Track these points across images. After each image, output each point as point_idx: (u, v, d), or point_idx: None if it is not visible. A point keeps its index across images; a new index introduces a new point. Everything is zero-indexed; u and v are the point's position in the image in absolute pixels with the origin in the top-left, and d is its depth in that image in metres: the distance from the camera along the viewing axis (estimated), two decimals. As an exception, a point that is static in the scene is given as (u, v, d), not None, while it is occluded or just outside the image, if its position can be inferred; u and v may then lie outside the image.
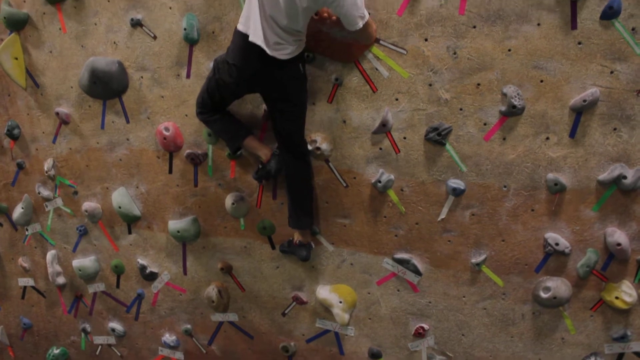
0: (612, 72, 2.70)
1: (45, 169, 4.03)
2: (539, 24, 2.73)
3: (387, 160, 3.14)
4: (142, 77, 3.54)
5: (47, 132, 3.99)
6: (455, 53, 2.86)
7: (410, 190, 3.14)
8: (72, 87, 3.78)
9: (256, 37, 2.71)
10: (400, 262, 3.28)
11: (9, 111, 4.10)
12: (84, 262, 4.15)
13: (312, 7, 2.63)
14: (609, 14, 2.62)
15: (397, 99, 3.02)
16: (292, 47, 2.77)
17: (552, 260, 3.02)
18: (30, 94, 3.96)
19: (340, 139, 3.19)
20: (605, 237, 2.91)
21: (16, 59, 3.88)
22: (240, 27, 2.79)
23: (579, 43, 2.70)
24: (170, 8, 3.33)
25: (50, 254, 4.27)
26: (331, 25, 2.90)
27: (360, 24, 2.65)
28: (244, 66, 2.84)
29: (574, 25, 2.69)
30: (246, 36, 2.75)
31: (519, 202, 2.98)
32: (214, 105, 3.12)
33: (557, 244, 2.95)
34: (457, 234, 3.13)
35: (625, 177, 2.78)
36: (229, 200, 3.52)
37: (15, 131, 4.08)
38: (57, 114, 3.86)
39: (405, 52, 2.94)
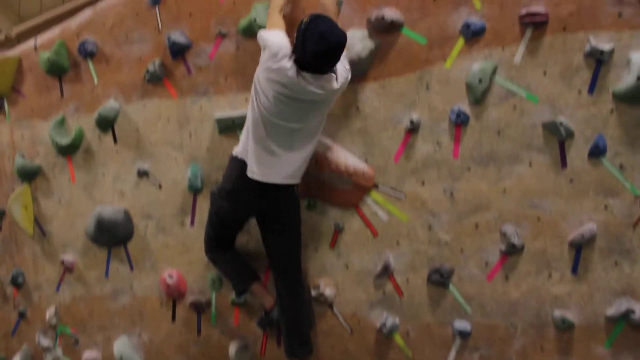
0: (606, 207, 2.74)
1: (47, 317, 3.99)
2: (530, 164, 2.82)
3: (391, 304, 3.11)
4: (147, 225, 3.61)
5: (51, 280, 4.00)
6: (452, 195, 2.94)
7: (415, 333, 3.08)
8: (78, 236, 3.85)
9: (272, 177, 2.84)
10: (411, 412, 3.14)
11: (14, 259, 4.14)
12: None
13: (325, 101, 2.78)
14: (596, 153, 2.72)
15: (397, 242, 3.05)
16: (300, 173, 2.92)
17: (570, 402, 2.90)
18: (37, 242, 4.03)
19: (343, 283, 3.18)
20: (621, 377, 2.82)
21: (25, 208, 3.99)
22: (238, 154, 2.90)
23: (571, 181, 2.77)
24: (176, 159, 3.47)
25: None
26: (330, 174, 3.03)
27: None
28: (241, 192, 2.90)
29: (563, 164, 2.78)
30: (244, 163, 2.86)
31: (527, 342, 2.91)
32: (218, 240, 3.14)
33: (572, 386, 2.85)
34: (467, 379, 3.03)
35: (633, 312, 2.74)
36: (232, 349, 3.43)
37: (20, 279, 4.10)
38: (62, 262, 3.89)
39: (403, 197, 3.02)
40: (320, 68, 2.65)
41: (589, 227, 2.75)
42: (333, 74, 2.71)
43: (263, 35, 2.76)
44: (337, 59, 2.65)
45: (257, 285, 3.21)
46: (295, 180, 2.93)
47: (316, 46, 2.55)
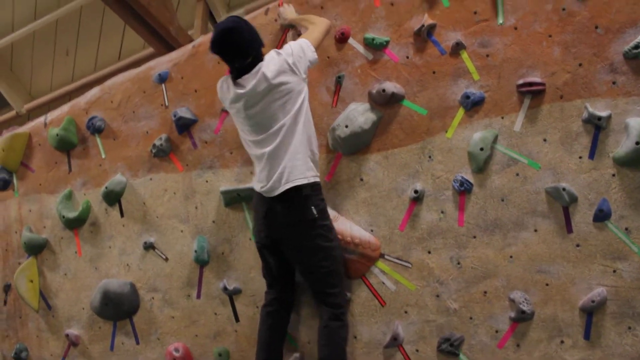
0: (614, 271, 2.73)
1: (51, 394, 3.92)
2: (535, 230, 2.82)
3: (402, 375, 3.06)
4: (153, 298, 3.60)
5: (55, 355, 3.95)
6: (459, 263, 2.93)
7: (428, 405, 3.02)
8: (83, 309, 3.83)
9: (268, 182, 2.86)
10: None
11: (18, 334, 4.10)
12: None
13: (268, 95, 2.83)
14: (600, 217, 2.73)
15: (406, 312, 3.03)
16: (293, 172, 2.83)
17: None
18: (42, 315, 4.00)
19: (352, 355, 3.12)
20: None
21: (31, 281, 3.98)
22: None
23: (577, 245, 2.77)
24: (182, 231, 3.50)
25: None
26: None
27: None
28: (261, 209, 2.94)
29: (569, 229, 2.78)
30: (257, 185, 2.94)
31: (544, 412, 2.84)
32: (267, 278, 3.07)
33: None
34: None
35: (650, 379, 2.69)
36: None
37: (23, 354, 4.05)
38: (67, 335, 3.86)
39: (410, 266, 3.02)
40: (227, 59, 2.87)
41: (598, 291, 2.73)
42: (259, 73, 2.81)
43: None
44: (231, 43, 2.81)
45: None
46: (290, 180, 2.81)
47: (212, 38, 2.86)
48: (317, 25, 3.02)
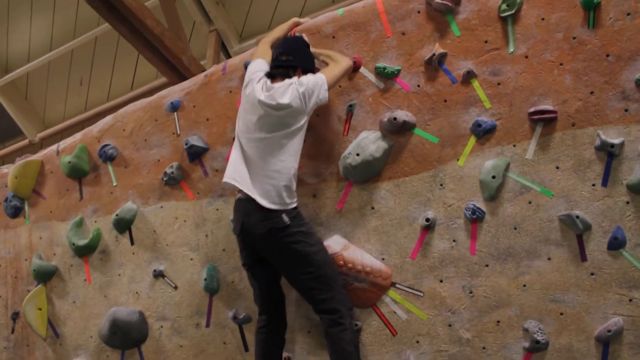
0: (631, 300, 2.69)
1: None
2: (549, 259, 2.80)
3: (413, 406, 3.00)
4: (162, 327, 3.57)
5: (63, 384, 3.92)
6: (471, 292, 2.90)
7: None
8: (91, 337, 3.80)
9: (240, 181, 2.94)
10: None
11: (26, 362, 4.07)
12: None
13: (279, 116, 2.91)
14: (615, 245, 2.70)
15: (417, 342, 2.98)
16: (274, 192, 2.87)
17: None
18: (49, 344, 3.97)
19: (364, 385, 3.09)
20: None
21: (40, 309, 3.96)
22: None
23: (592, 274, 2.74)
24: (192, 259, 3.48)
25: None
26: (347, 273, 3.00)
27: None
28: (236, 217, 2.99)
29: (583, 258, 2.76)
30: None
31: None
32: (259, 307, 3.07)
33: None
34: None
35: (670, 413, 2.62)
36: None
37: (30, 384, 4.02)
38: (75, 364, 3.83)
39: (421, 294, 2.99)
40: (276, 56, 3.09)
41: (614, 321, 2.70)
42: (287, 90, 2.91)
43: (248, 68, 3.18)
44: (292, 42, 3.17)
45: None
46: (265, 199, 2.86)
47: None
48: (339, 63, 3.05)
